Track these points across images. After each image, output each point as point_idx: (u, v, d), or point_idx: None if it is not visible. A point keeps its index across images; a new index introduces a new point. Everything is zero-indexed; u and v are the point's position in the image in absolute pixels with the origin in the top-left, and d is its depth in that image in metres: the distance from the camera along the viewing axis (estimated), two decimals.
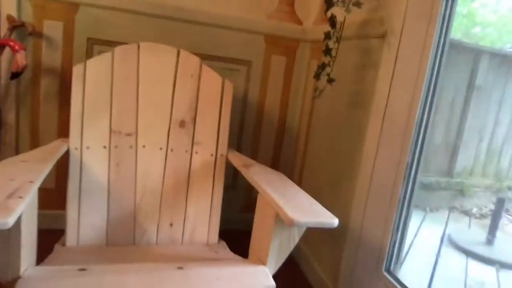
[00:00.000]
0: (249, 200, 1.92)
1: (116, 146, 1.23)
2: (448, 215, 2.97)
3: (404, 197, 1.17)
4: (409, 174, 1.16)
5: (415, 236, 2.52)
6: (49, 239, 1.15)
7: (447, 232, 2.66)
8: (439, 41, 1.05)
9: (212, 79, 1.33)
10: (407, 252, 2.21)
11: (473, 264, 2.22)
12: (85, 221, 1.16)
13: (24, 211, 0.72)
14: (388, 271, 1.21)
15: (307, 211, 0.86)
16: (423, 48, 1.06)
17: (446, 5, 1.01)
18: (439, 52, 1.06)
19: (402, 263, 1.26)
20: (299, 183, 1.78)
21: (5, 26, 1.45)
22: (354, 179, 1.30)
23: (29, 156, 1.01)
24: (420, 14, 1.05)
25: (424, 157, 1.17)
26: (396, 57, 1.11)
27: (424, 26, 1.05)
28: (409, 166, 1.14)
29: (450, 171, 3.10)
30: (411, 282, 1.18)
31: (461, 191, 3.08)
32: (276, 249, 0.92)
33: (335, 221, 0.82)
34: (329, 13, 1.21)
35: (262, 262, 0.94)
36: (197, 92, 1.32)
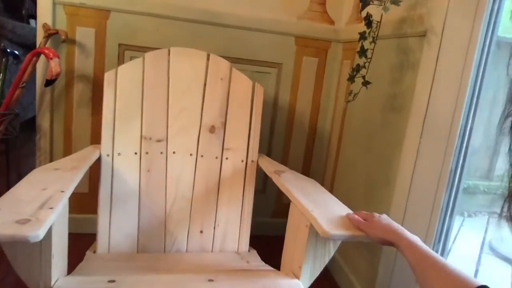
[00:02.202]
0: (280, 205, 1.88)
1: (147, 153, 1.22)
2: (488, 221, 2.81)
3: (447, 205, 1.10)
4: (453, 181, 1.09)
5: (453, 242, 2.38)
6: (82, 243, 1.16)
7: (487, 239, 2.51)
8: (485, 40, 0.97)
9: (242, 83, 1.31)
10: (446, 260, 2.09)
11: None
12: (116, 228, 1.16)
13: (55, 221, 0.72)
14: None
15: (343, 222, 0.81)
16: (468, 47, 0.99)
17: (493, 0, 0.94)
18: (485, 51, 0.98)
19: None
20: (331, 190, 1.73)
21: (41, 35, 1.48)
22: (391, 186, 1.23)
23: (62, 163, 1.01)
24: (464, 11, 0.98)
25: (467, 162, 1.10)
26: (438, 56, 1.04)
27: (468, 24, 0.98)
28: (453, 172, 1.07)
29: (489, 174, 2.94)
30: None
31: (502, 195, 2.91)
32: (310, 262, 0.88)
33: None
34: (364, 12, 1.16)
35: (296, 275, 0.90)
36: (227, 96, 1.29)
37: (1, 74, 1.58)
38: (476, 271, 2.07)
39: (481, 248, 2.40)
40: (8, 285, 1.32)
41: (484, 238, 2.52)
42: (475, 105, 1.02)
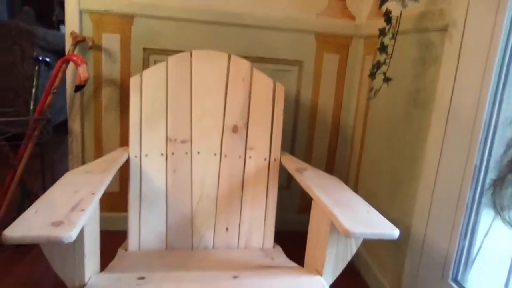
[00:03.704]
0: (305, 201, 1.89)
1: (172, 153, 1.26)
2: None
3: (473, 202, 1.08)
4: (478, 176, 1.07)
5: (484, 236, 2.30)
6: (116, 240, 1.22)
7: None
8: (509, 33, 0.95)
9: (263, 83, 1.32)
10: (476, 255, 2.04)
11: None
12: (145, 227, 1.21)
13: (87, 222, 0.76)
14: (455, 280, 1.13)
15: (364, 221, 0.82)
16: (491, 40, 0.97)
17: None
18: (510, 44, 0.96)
19: (470, 268, 1.17)
20: (355, 186, 1.72)
21: (69, 43, 1.55)
22: (416, 182, 1.22)
23: (92, 166, 1.06)
24: (486, 4, 0.96)
25: (494, 156, 1.07)
26: (460, 51, 1.03)
27: (491, 17, 0.96)
28: (477, 167, 1.05)
29: None
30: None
31: None
32: (333, 259, 0.89)
33: (395, 233, 0.78)
34: (383, 8, 1.15)
35: (318, 272, 0.91)
36: (249, 96, 1.31)
37: (35, 81, 1.66)
38: (511, 267, 2.01)
39: None
40: (51, 278, 1.40)
41: None
42: (500, 99, 1.00)
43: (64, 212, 0.73)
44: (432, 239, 1.16)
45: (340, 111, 1.81)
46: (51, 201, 0.79)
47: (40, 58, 1.66)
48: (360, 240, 0.89)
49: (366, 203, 0.93)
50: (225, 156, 1.29)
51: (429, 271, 1.18)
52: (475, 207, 1.09)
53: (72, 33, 1.53)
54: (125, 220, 1.21)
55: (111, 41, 1.59)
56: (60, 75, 1.52)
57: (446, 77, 1.08)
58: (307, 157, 1.83)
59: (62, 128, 2.08)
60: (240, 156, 1.30)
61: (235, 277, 0.89)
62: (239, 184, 1.29)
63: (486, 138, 1.03)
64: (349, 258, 0.90)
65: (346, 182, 1.10)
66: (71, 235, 0.65)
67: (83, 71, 1.43)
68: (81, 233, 0.76)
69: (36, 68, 1.67)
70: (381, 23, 1.21)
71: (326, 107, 1.80)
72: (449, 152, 1.09)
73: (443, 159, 1.11)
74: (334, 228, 0.84)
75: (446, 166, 1.11)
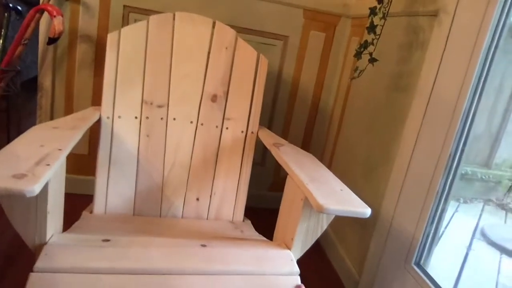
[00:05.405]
0: (278, 179, 1.89)
1: (147, 117, 1.21)
2: (483, 208, 2.84)
3: (443, 190, 1.10)
4: (451, 166, 1.08)
5: (446, 227, 2.40)
6: (80, 203, 1.18)
7: (480, 225, 2.54)
8: (497, 24, 0.95)
9: (247, 53, 1.29)
10: (437, 243, 2.12)
11: (508, 261, 2.11)
12: (113, 190, 1.17)
13: (52, 178, 0.72)
14: (418, 264, 1.16)
15: (338, 198, 0.81)
16: (479, 30, 0.97)
17: None
18: (497, 36, 0.96)
19: (433, 253, 1.21)
20: (329, 165, 1.73)
21: None
22: (389, 166, 1.23)
23: (61, 122, 1.01)
24: None
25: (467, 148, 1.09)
26: (448, 38, 1.02)
27: (482, 6, 0.95)
28: (451, 157, 1.07)
29: (489, 162, 2.93)
30: (439, 274, 1.13)
31: (499, 184, 2.92)
32: (303, 234, 0.89)
33: (367, 211, 0.78)
34: None
35: (287, 246, 0.91)
36: (231, 66, 1.27)
37: (3, 30, 1.55)
38: (466, 255, 2.11)
39: (473, 234, 2.43)
40: (8, 238, 1.35)
41: (477, 224, 2.54)
42: (480, 91, 1.01)
43: (28, 166, 0.68)
44: (399, 223, 1.18)
45: (321, 90, 1.80)
46: (14, 154, 0.74)
47: (11, 5, 1.55)
48: (331, 218, 0.90)
49: (340, 182, 0.92)
50: (202, 124, 1.26)
51: (393, 254, 1.20)
52: (445, 196, 1.11)
53: None
54: (91, 184, 1.17)
55: None
56: (32, 25, 1.43)
57: (430, 63, 1.08)
58: (284, 133, 1.82)
59: (32, 85, 1.98)
60: (217, 126, 1.27)
61: (203, 246, 0.88)
62: (214, 154, 1.27)
63: (463, 129, 1.04)
64: (318, 235, 0.90)
65: (321, 161, 1.09)
66: (34, 189, 0.61)
67: (58, 24, 1.35)
68: (45, 189, 0.72)
69: (6, 15, 1.56)
70: (370, 4, 1.19)
71: (308, 85, 1.78)
72: (426, 138, 1.10)
73: (418, 145, 1.12)
74: (308, 204, 0.83)
75: (421, 152, 1.12)
